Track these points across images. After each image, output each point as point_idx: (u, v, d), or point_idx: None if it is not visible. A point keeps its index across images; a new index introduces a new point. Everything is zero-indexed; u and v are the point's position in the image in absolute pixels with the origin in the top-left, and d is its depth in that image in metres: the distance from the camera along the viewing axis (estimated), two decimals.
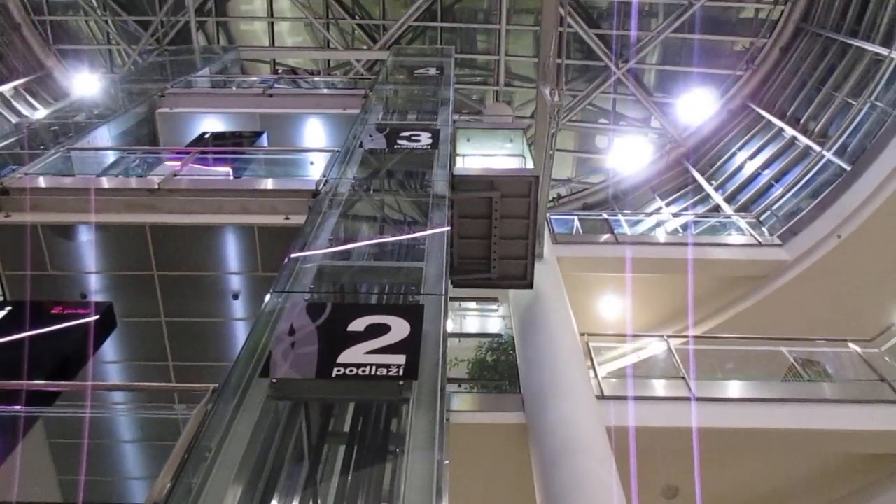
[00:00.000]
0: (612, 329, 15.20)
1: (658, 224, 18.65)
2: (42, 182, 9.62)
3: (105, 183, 9.74)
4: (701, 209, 19.95)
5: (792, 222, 15.47)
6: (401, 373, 5.13)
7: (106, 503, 7.92)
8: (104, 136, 12.40)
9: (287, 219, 9.09)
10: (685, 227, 17.78)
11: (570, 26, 21.83)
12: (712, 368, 11.73)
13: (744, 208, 18.15)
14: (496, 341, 12.38)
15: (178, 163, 10.49)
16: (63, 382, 6.28)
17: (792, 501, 11.08)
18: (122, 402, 7.50)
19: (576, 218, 17.49)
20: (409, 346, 5.38)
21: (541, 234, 12.20)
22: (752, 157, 19.73)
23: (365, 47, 24.74)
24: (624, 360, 13.30)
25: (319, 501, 5.17)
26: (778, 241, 15.41)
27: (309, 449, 5.44)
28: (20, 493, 5.71)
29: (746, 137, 20.61)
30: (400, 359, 5.24)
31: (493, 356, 12.09)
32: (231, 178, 10.50)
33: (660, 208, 21.58)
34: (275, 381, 5.18)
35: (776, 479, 11.06)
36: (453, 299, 13.00)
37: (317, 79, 23.36)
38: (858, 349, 11.65)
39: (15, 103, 23.86)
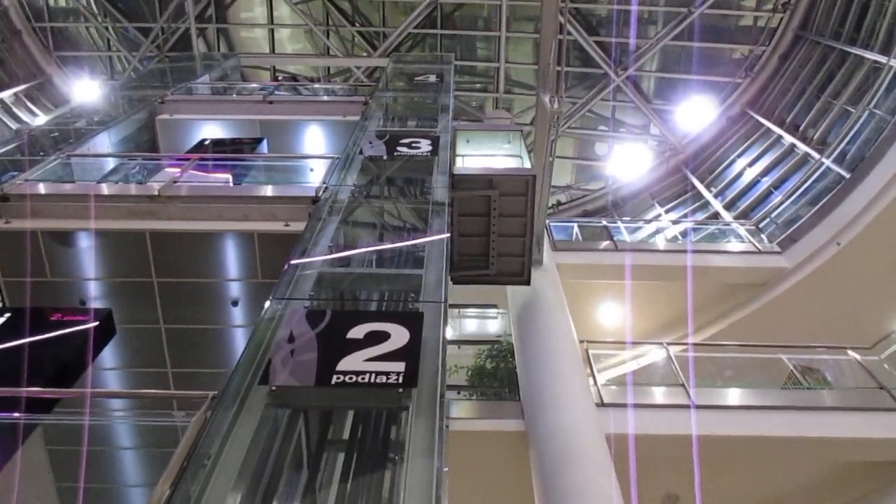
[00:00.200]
0: (612, 336, 15.18)
1: (657, 231, 18.66)
2: (42, 188, 9.62)
3: (105, 189, 9.75)
4: (700, 216, 19.97)
5: (791, 230, 15.48)
6: (400, 380, 5.12)
7: None
8: (104, 142, 12.41)
9: (287, 225, 9.09)
10: (684, 234, 17.79)
11: (569, 34, 21.90)
12: (712, 376, 11.72)
13: (743, 215, 18.17)
14: (495, 348, 12.37)
15: (178, 169, 10.50)
16: (62, 389, 6.27)
17: None
18: (121, 409, 7.48)
19: (575, 225, 17.51)
20: (409, 354, 5.37)
21: (540, 241, 12.23)
22: (751, 164, 19.76)
23: (365, 54, 24.79)
24: (623, 367, 13.28)
25: None
26: (777, 249, 15.41)
27: (308, 456, 5.43)
28: (19, 501, 5.69)
29: (745, 145, 20.65)
30: (399, 366, 5.23)
31: (492, 363, 12.08)
32: (231, 184, 10.51)
33: (659, 215, 21.60)
34: (274, 388, 5.18)
35: (776, 487, 11.04)
36: (453, 306, 13.01)
37: (317, 86, 23.44)
38: (858, 357, 11.65)
39: (15, 109, 23.89)
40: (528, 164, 12.03)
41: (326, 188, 9.41)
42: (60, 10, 25.93)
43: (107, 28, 25.64)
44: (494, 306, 13.73)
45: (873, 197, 14.13)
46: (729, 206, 19.22)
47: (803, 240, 15.03)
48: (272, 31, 25.19)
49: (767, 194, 18.19)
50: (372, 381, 5.12)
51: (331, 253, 7.88)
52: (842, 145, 16.47)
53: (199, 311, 9.82)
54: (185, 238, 9.20)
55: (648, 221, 20.36)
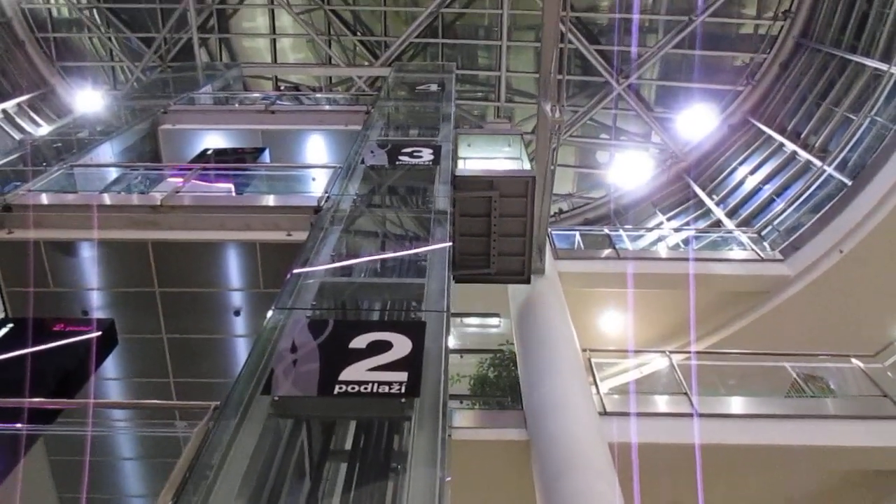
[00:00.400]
0: (614, 345, 15.15)
1: (659, 239, 18.64)
2: (45, 199, 9.66)
3: (107, 200, 9.78)
4: (702, 224, 19.95)
5: (793, 237, 15.44)
6: (403, 390, 5.12)
7: None
8: (107, 152, 12.45)
9: (289, 235, 9.11)
10: (686, 242, 17.78)
11: (570, 42, 21.95)
12: (715, 384, 11.69)
13: (745, 223, 18.15)
14: (498, 357, 12.36)
15: (181, 179, 10.53)
16: (64, 400, 6.27)
17: None
18: (123, 419, 7.48)
19: (577, 233, 17.49)
20: (411, 364, 5.37)
21: (542, 250, 12.24)
22: (752, 171, 19.75)
23: (366, 63, 24.87)
24: (626, 375, 13.25)
25: None
26: (780, 256, 15.38)
27: (311, 466, 5.42)
28: None
29: (747, 152, 20.65)
30: (402, 376, 5.23)
31: (494, 372, 12.07)
32: (233, 194, 10.54)
33: (661, 223, 21.58)
34: (276, 398, 5.18)
35: (780, 496, 11.01)
36: (455, 315, 13.00)
37: (319, 95, 23.50)
38: (861, 365, 11.61)
39: (18, 120, 23.98)
40: (527, 166, 12.38)
41: (328, 197, 9.43)
42: (64, 21, 26.06)
43: (109, 38, 25.75)
44: (497, 315, 13.73)
45: (876, 204, 14.12)
46: (731, 214, 19.21)
47: (806, 247, 15.01)
48: (274, 40, 25.28)
49: (769, 202, 18.18)
50: (374, 390, 5.12)
51: (333, 262, 7.89)
52: (843, 153, 16.47)
53: (201, 321, 9.83)
54: (188, 248, 9.22)
55: (650, 229, 20.35)
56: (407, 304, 7.41)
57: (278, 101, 16.45)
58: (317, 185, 10.89)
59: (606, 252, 15.90)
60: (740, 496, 10.89)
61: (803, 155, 17.99)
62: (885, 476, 10.33)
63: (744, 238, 16.66)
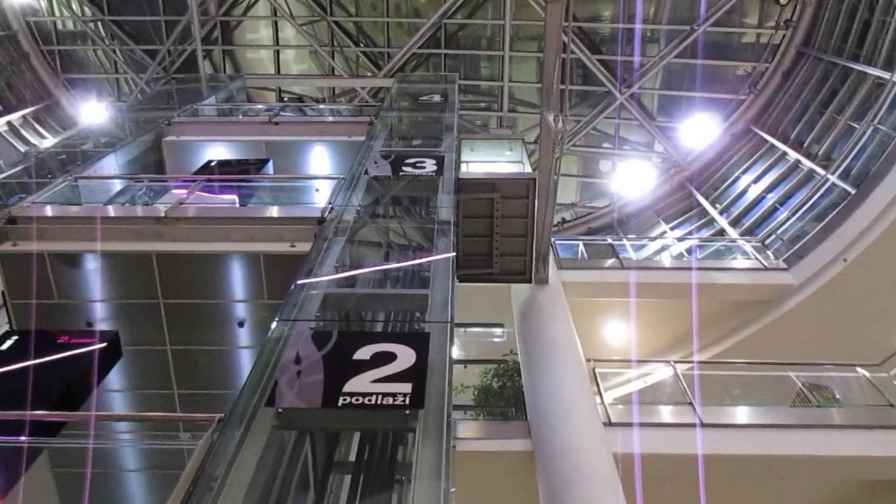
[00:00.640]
0: (618, 355, 15.11)
1: (663, 248, 18.62)
2: (49, 211, 9.69)
3: (112, 211, 9.82)
4: (705, 233, 19.93)
5: (797, 246, 15.41)
6: (407, 401, 5.12)
7: None
8: (111, 164, 12.50)
9: (293, 246, 9.13)
10: (690, 251, 17.76)
11: (573, 52, 22.03)
12: (719, 394, 11.65)
13: (748, 232, 18.12)
14: (502, 367, 12.34)
15: (185, 191, 10.57)
16: (68, 413, 6.27)
17: None
18: (127, 431, 7.48)
19: (580, 243, 17.49)
20: (416, 375, 5.37)
21: (546, 259, 12.26)
22: (756, 180, 19.74)
23: (369, 74, 24.95)
24: (630, 386, 13.22)
25: None
26: (783, 265, 15.35)
27: (315, 478, 5.42)
28: None
29: (750, 161, 20.64)
30: (406, 387, 5.23)
31: (499, 382, 12.04)
32: (237, 205, 10.56)
33: (664, 232, 21.56)
34: (281, 410, 5.18)
35: None
36: (458, 325, 12.99)
37: (322, 106, 23.58)
38: (867, 374, 11.57)
39: (23, 131, 24.11)
40: (528, 169, 12.80)
41: (332, 208, 9.44)
42: (68, 33, 26.22)
43: (114, 50, 25.89)
44: (501, 325, 13.72)
45: (879, 212, 14.09)
46: (734, 223, 19.18)
47: (810, 256, 14.97)
48: (277, 52, 25.39)
49: (773, 211, 18.16)
50: (379, 402, 5.12)
51: (337, 273, 7.90)
52: (846, 161, 16.45)
53: (205, 333, 9.83)
54: (192, 259, 9.24)
55: (654, 239, 20.32)
56: (411, 314, 7.41)
57: (282, 113, 16.50)
58: (320, 196, 10.92)
59: (610, 262, 15.88)
60: None
61: (806, 164, 17.98)
62: (892, 486, 10.27)
63: (747, 247, 16.63)
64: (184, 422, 6.42)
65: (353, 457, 5.72)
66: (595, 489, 8.37)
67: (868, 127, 16.38)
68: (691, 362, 13.01)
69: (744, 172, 20.55)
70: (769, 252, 16.29)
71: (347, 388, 5.25)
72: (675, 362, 11.82)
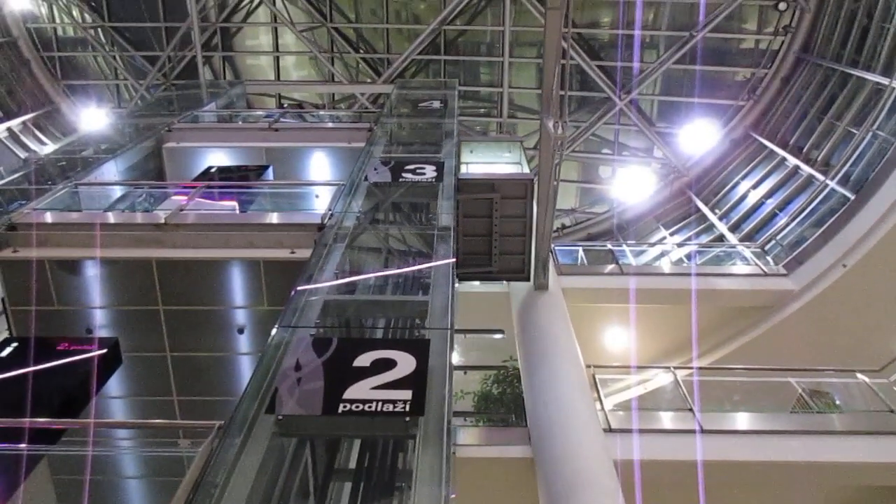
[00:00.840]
0: (618, 360, 15.11)
1: (662, 254, 18.64)
2: (49, 217, 9.69)
3: (112, 218, 9.82)
4: (705, 239, 19.94)
5: (797, 252, 15.41)
6: (407, 408, 5.11)
7: None
8: (111, 170, 12.50)
9: (293, 253, 9.13)
10: (689, 257, 17.76)
11: (572, 58, 22.07)
12: (719, 400, 11.63)
13: (748, 238, 18.13)
14: (502, 373, 12.34)
15: (185, 197, 10.56)
16: (68, 420, 6.27)
17: None
18: (127, 438, 7.47)
19: (580, 249, 17.49)
20: (416, 382, 5.37)
21: (545, 265, 12.28)
22: (755, 186, 19.76)
23: (369, 80, 24.98)
24: (630, 392, 13.21)
25: None
26: (783, 271, 15.36)
27: (315, 485, 5.41)
28: None
29: (749, 167, 20.67)
30: (406, 394, 5.23)
31: (498, 388, 12.03)
32: (237, 212, 10.56)
33: (664, 238, 21.57)
34: (281, 417, 5.17)
35: None
36: (458, 331, 12.99)
37: (322, 112, 23.61)
38: (867, 380, 11.56)
39: (23, 138, 24.13)
40: (526, 170, 13.22)
41: (332, 215, 9.45)
42: (69, 40, 26.25)
43: (114, 57, 25.93)
44: (501, 331, 13.72)
45: (879, 218, 14.11)
46: (734, 229, 19.20)
47: (809, 262, 14.98)
48: (277, 58, 25.43)
49: (772, 216, 18.17)
50: (379, 409, 5.12)
51: (337, 280, 7.90)
52: (846, 167, 16.48)
53: (205, 339, 9.83)
54: (192, 266, 9.24)
55: (653, 244, 20.34)
56: (411, 321, 7.41)
57: (282, 119, 16.52)
58: (320, 202, 10.92)
59: (610, 267, 15.90)
60: None
61: (806, 169, 18.00)
62: (893, 493, 10.25)
63: (747, 253, 16.65)
64: (184, 429, 6.42)
65: (353, 464, 5.72)
66: (595, 496, 8.35)
67: (867, 132, 16.40)
68: (691, 368, 13.00)
69: (743, 178, 20.58)
70: (769, 258, 16.30)
71: (347, 395, 5.24)
72: (675, 368, 11.81)
